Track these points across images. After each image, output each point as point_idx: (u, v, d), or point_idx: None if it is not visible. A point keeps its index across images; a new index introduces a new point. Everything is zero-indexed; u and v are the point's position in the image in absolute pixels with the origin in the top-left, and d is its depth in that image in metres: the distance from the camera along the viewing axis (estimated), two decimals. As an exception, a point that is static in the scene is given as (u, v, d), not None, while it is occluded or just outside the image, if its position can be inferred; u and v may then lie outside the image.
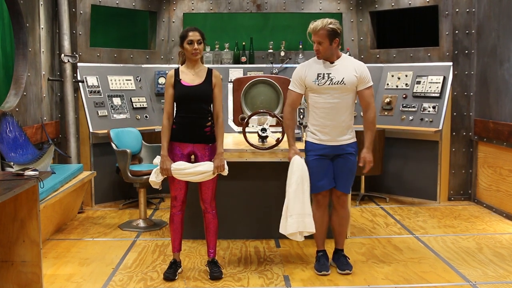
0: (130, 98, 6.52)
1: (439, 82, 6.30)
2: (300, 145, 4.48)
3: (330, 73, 3.95)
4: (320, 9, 6.95)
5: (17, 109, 5.08)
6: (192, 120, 3.93)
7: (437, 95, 6.26)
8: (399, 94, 6.54)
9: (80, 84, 6.15)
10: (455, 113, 6.31)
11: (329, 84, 3.94)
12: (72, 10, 6.11)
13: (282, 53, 6.92)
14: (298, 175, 3.98)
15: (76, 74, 6.16)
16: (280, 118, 4.59)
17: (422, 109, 6.32)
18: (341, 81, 3.94)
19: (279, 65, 6.78)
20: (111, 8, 6.57)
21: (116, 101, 6.40)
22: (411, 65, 6.60)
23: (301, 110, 4.89)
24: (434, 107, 6.25)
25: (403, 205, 6.29)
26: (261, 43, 7.06)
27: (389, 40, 7.11)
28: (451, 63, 6.30)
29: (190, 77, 3.95)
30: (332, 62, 3.98)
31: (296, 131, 4.87)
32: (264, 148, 4.59)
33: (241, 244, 4.83)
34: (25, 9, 5.28)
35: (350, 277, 4.06)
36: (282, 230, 4.02)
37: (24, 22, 5.26)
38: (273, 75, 6.05)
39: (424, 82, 6.40)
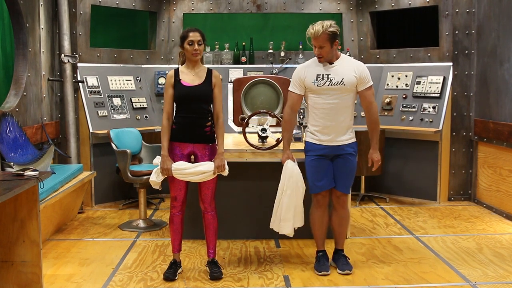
0: (130, 98, 6.52)
1: (439, 82, 6.30)
2: (300, 145, 4.49)
3: (330, 74, 3.95)
4: (320, 9, 6.95)
5: (17, 109, 5.08)
6: (192, 120, 3.93)
7: (437, 95, 6.26)
8: (399, 94, 6.55)
9: (80, 84, 6.15)
10: (455, 113, 6.31)
11: (328, 85, 3.94)
12: (72, 10, 6.11)
13: (282, 53, 6.92)
14: (293, 181, 4.04)
15: (76, 74, 6.16)
16: (280, 118, 4.59)
17: (422, 109, 6.32)
18: (341, 81, 3.94)
19: (279, 65, 6.78)
20: (111, 8, 6.57)
21: (116, 101, 6.40)
22: (411, 65, 6.60)
23: (301, 111, 4.89)
24: (434, 107, 6.25)
25: (403, 205, 6.29)
26: (261, 43, 7.06)
27: (389, 40, 7.11)
28: (451, 63, 6.30)
29: (190, 77, 3.95)
30: (331, 63, 3.98)
31: (296, 131, 4.88)
32: (264, 148, 4.59)
33: (241, 244, 4.83)
34: (25, 9, 5.28)
35: (350, 277, 4.06)
36: (275, 228, 4.15)
37: (24, 22, 5.26)
38: (273, 75, 6.05)
39: (424, 82, 6.40)
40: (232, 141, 5.24)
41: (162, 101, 6.36)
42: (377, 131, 4.09)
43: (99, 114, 6.19)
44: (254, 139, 4.75)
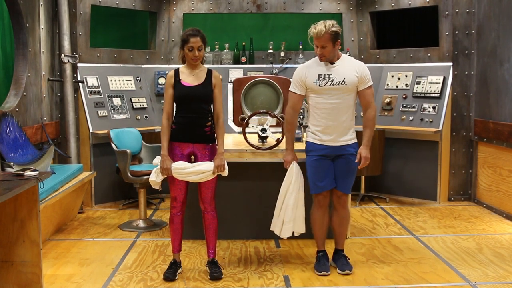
0: (130, 99, 6.52)
1: (439, 83, 6.30)
2: (300, 146, 4.49)
3: (331, 74, 3.95)
4: (320, 10, 6.95)
5: (17, 109, 5.08)
6: (192, 120, 3.93)
7: (437, 95, 6.26)
8: (399, 94, 6.55)
9: (80, 84, 6.15)
10: (455, 114, 6.31)
11: (330, 85, 3.94)
12: (72, 11, 6.11)
13: (282, 54, 6.92)
14: (299, 182, 4.07)
15: (76, 75, 6.16)
16: (280, 118, 4.59)
17: (422, 109, 6.32)
18: (342, 81, 3.94)
19: (279, 66, 6.78)
20: (111, 8, 6.57)
21: (116, 101, 6.40)
22: (411, 65, 6.60)
23: (301, 111, 4.89)
24: (434, 107, 6.25)
25: (403, 205, 6.29)
26: (261, 43, 7.06)
27: (389, 40, 7.11)
28: (451, 64, 6.30)
29: (190, 78, 3.95)
30: (332, 63, 3.98)
31: (296, 131, 4.88)
32: (264, 149, 4.59)
33: (241, 244, 4.83)
34: (25, 9, 5.28)
35: (350, 277, 4.06)
36: (276, 231, 4.17)
37: (24, 22, 5.26)
38: (273, 76, 6.05)
39: (424, 82, 6.40)
40: (232, 141, 5.24)
41: (162, 101, 6.36)
42: (371, 128, 4.07)
43: (99, 114, 6.19)
44: (254, 139, 4.75)
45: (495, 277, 4.03)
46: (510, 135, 5.44)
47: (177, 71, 3.98)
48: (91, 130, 6.07)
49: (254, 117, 4.73)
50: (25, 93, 5.25)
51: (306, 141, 4.16)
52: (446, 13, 6.30)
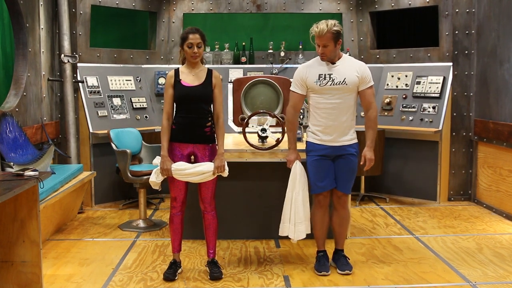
0: (130, 99, 6.52)
1: (439, 83, 6.30)
2: (301, 146, 4.49)
3: (332, 74, 3.95)
4: (320, 10, 6.95)
5: (17, 109, 5.08)
6: (192, 120, 3.93)
7: (437, 95, 6.26)
8: (399, 95, 6.55)
9: (80, 84, 6.15)
10: (455, 114, 6.31)
11: (330, 85, 3.94)
12: (72, 11, 6.11)
13: (282, 54, 6.92)
14: (304, 182, 4.07)
15: (76, 75, 6.16)
16: (280, 118, 4.59)
17: (422, 110, 6.32)
18: (343, 81, 3.94)
19: (279, 66, 6.78)
20: (111, 8, 6.57)
21: (116, 101, 6.40)
22: (411, 65, 6.60)
23: (301, 111, 4.89)
24: (434, 108, 6.25)
25: (403, 205, 6.29)
26: (261, 43, 7.06)
27: (389, 40, 7.11)
28: (451, 64, 6.30)
29: (190, 78, 3.95)
30: (333, 63, 3.98)
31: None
32: (264, 149, 4.59)
33: (241, 244, 4.83)
34: (25, 9, 5.28)
35: (350, 277, 4.06)
36: (290, 235, 4.10)
37: (24, 23, 5.26)
38: (273, 75, 6.05)
39: (424, 82, 6.40)
40: (232, 141, 5.24)
41: (162, 101, 6.36)
42: (373, 129, 4.08)
43: (99, 114, 6.19)
44: (254, 139, 4.75)
45: (495, 277, 4.03)
46: (510, 135, 5.44)
47: (177, 71, 3.97)
48: (91, 130, 6.07)
49: (254, 117, 4.73)
50: (25, 93, 5.25)
51: (306, 141, 4.16)
52: (446, 13, 6.30)
